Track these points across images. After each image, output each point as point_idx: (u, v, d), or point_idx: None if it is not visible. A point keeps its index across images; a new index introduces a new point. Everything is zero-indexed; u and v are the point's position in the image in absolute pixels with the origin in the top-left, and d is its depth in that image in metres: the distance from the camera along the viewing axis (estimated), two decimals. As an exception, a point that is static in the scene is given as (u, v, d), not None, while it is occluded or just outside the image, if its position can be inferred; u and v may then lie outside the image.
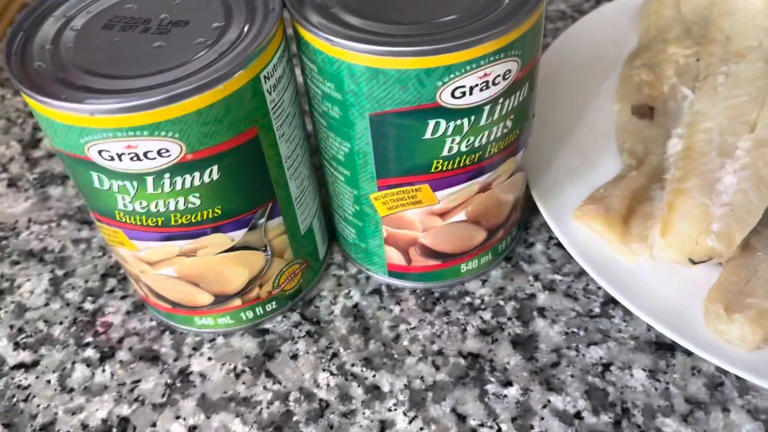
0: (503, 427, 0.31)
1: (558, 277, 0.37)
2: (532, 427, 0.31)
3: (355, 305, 0.37)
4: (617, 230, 0.35)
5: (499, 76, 0.28)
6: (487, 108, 0.28)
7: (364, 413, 0.32)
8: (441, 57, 0.26)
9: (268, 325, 0.36)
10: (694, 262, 0.33)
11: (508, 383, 0.33)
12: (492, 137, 0.30)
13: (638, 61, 0.44)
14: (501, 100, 0.29)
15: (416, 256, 0.35)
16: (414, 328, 0.36)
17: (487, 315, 0.36)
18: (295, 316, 0.37)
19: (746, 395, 0.31)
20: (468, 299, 0.37)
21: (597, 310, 0.35)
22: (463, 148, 0.30)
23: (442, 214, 0.33)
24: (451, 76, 0.26)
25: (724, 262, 0.33)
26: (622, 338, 0.34)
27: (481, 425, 0.32)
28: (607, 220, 0.35)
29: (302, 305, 0.37)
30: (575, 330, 0.35)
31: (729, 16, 0.42)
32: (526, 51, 0.28)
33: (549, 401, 0.32)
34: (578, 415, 0.32)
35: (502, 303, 0.36)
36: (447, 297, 0.37)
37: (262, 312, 0.36)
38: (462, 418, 0.32)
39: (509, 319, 0.36)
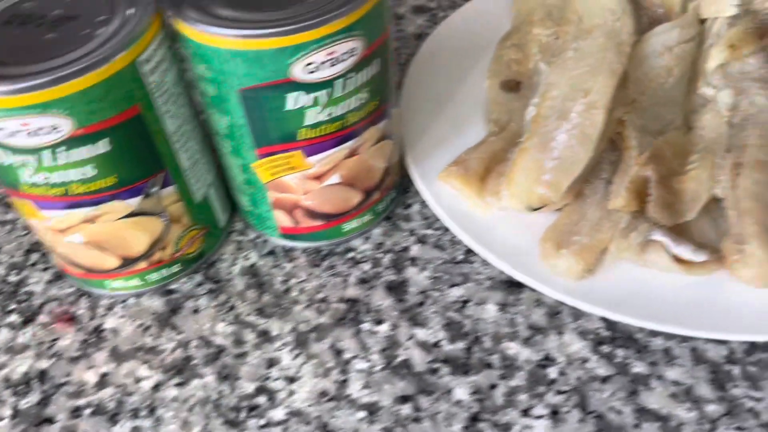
0: (373, 357, 0.37)
1: (429, 232, 0.42)
2: (397, 356, 0.36)
3: (252, 265, 0.42)
4: (474, 187, 0.40)
5: (345, 53, 0.32)
6: (339, 82, 0.33)
7: (254, 354, 0.37)
8: (289, 38, 0.31)
9: (174, 286, 0.41)
10: (533, 209, 0.38)
11: (380, 321, 0.38)
12: (350, 108, 0.35)
13: (508, 42, 0.50)
14: (351, 75, 0.34)
15: (302, 218, 0.40)
16: (303, 281, 0.40)
17: (366, 266, 0.41)
18: (199, 277, 0.41)
19: (579, 320, 0.37)
20: (351, 254, 0.42)
21: (461, 257, 0.41)
22: (325, 117, 0.35)
23: (318, 178, 0.38)
24: (300, 54, 0.31)
25: (562, 208, 0.39)
26: (480, 279, 0.39)
27: (355, 357, 0.37)
28: (465, 178, 0.40)
29: (206, 267, 0.42)
30: (440, 274, 0.40)
31: (581, 0, 0.48)
32: (369, 30, 0.33)
33: (414, 334, 0.37)
34: (437, 344, 0.37)
35: (380, 256, 0.41)
36: (334, 254, 0.42)
37: (167, 274, 0.40)
38: (338, 353, 0.37)
39: (386, 268, 0.41)
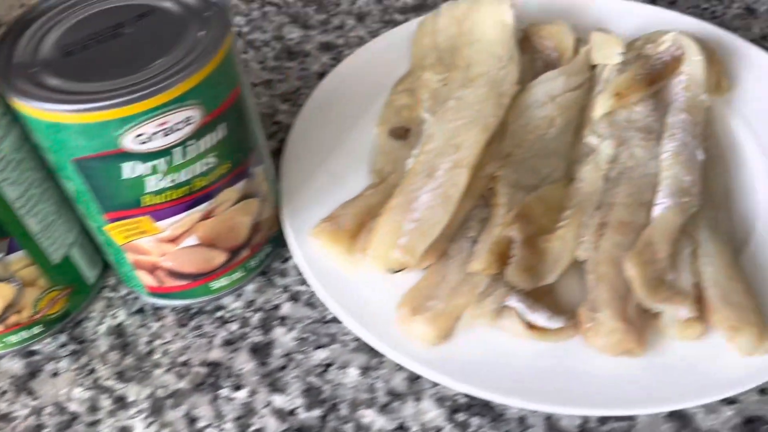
0: (227, 426, 0.36)
1: (303, 288, 0.41)
2: (251, 425, 0.36)
3: (119, 324, 0.41)
4: (343, 245, 0.39)
5: (179, 122, 0.32)
6: (178, 150, 0.33)
7: (107, 422, 0.36)
8: (114, 111, 0.30)
9: (37, 347, 0.40)
10: (393, 272, 0.37)
11: (239, 387, 0.37)
12: (196, 173, 0.34)
13: (401, 87, 0.49)
14: (191, 142, 0.33)
15: (164, 278, 0.39)
16: (167, 342, 0.40)
17: (234, 326, 0.40)
18: (63, 337, 0.40)
19: (437, 386, 0.36)
20: (221, 313, 0.41)
21: (330, 316, 0.40)
22: (168, 184, 0.34)
23: (173, 240, 0.37)
24: (127, 126, 0.30)
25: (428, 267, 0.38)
26: (345, 341, 0.39)
27: (208, 425, 0.36)
28: (335, 235, 0.39)
29: (72, 326, 0.41)
30: (308, 335, 0.39)
31: (471, 45, 0.47)
32: (207, 98, 0.32)
33: (271, 401, 0.37)
34: (293, 412, 0.36)
35: (249, 315, 0.40)
36: (203, 312, 0.41)
37: (27, 336, 0.39)
38: (193, 421, 0.36)
39: (253, 329, 0.40)
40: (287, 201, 0.43)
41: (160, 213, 0.35)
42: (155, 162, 0.32)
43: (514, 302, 0.35)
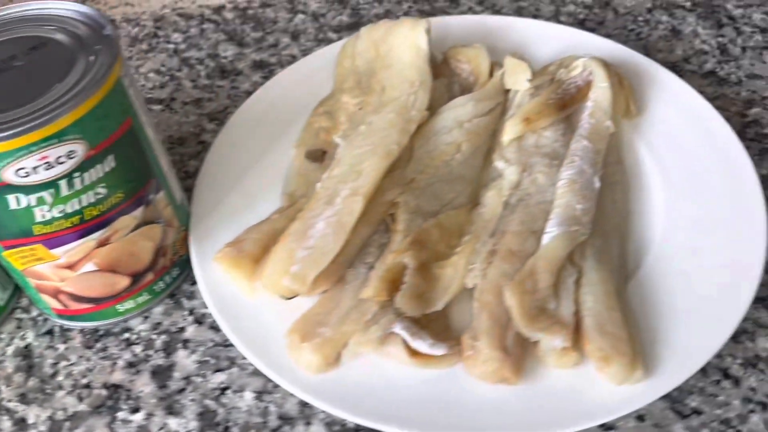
0: (120, 449, 0.37)
1: (208, 311, 0.42)
2: (143, 447, 0.37)
3: (27, 345, 0.41)
4: (245, 270, 0.40)
5: (61, 156, 0.32)
6: (63, 182, 0.33)
7: (5, 444, 0.37)
8: (-11, 147, 0.31)
9: (-55, 368, 0.41)
10: (287, 298, 0.38)
11: (137, 410, 0.38)
12: (86, 203, 0.35)
13: (321, 108, 0.50)
14: (78, 175, 0.34)
15: (68, 302, 0.40)
16: (72, 364, 0.40)
17: (138, 349, 0.41)
18: (-28, 358, 0.41)
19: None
20: (127, 335, 0.41)
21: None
22: (57, 214, 0.34)
23: (70, 267, 0.37)
24: (7, 161, 0.31)
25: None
26: (244, 365, 0.39)
27: (103, 449, 0.37)
28: (236, 261, 0.40)
29: (-19, 348, 0.42)
30: (208, 358, 0.40)
31: (386, 69, 0.48)
32: (90, 132, 0.33)
33: (166, 424, 0.37)
34: (186, 435, 0.37)
35: (154, 337, 0.41)
36: (110, 334, 0.42)
37: (-66, 357, 0.40)
38: (88, 444, 0.37)
39: (156, 351, 0.41)
40: (196, 224, 0.43)
41: (53, 241, 0.36)
42: (40, 194, 0.33)
43: (398, 329, 0.36)
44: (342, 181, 0.41)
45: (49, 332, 0.42)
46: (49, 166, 0.32)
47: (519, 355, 0.35)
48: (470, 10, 0.62)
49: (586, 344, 0.34)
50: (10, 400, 0.39)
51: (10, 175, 0.32)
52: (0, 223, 0.35)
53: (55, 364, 0.40)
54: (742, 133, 0.48)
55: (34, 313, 0.43)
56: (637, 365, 0.34)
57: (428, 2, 0.63)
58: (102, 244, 0.37)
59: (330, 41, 0.60)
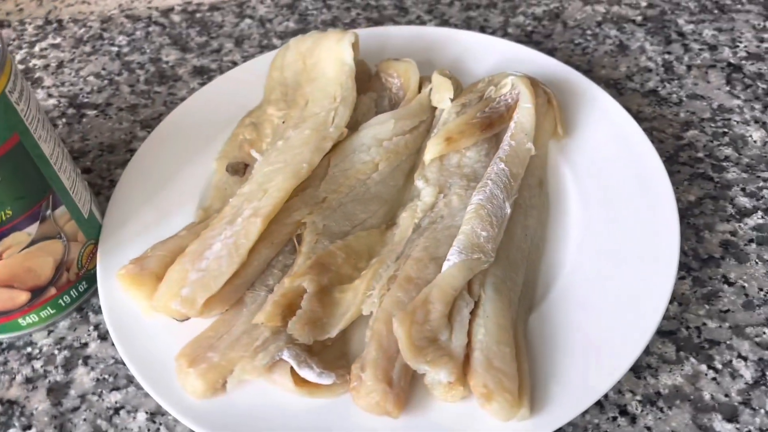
0: (6, 468, 0.36)
1: (114, 327, 0.42)
2: (29, 467, 0.36)
3: (-70, 356, 0.41)
4: (145, 289, 0.39)
5: (-64, 175, 0.32)
6: (-59, 200, 0.33)
7: None
8: None
9: None
10: (180, 320, 0.38)
11: (28, 427, 0.38)
12: (-31, 220, 0.34)
13: (248, 119, 0.49)
14: (-44, 192, 0.33)
15: (-33, 315, 0.39)
16: (-29, 377, 0.40)
17: (38, 364, 0.40)
18: None
19: (218, 434, 0.37)
20: (29, 349, 0.41)
21: (132, 357, 0.40)
22: (-61, 232, 0.34)
23: (-38, 282, 0.37)
24: None
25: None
26: (140, 384, 0.39)
27: (-11, 467, 0.36)
28: (137, 278, 0.39)
29: None
30: (107, 376, 0.39)
31: (311, 82, 0.47)
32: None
33: (55, 443, 0.37)
34: (73, 456, 0.36)
35: (56, 352, 0.41)
36: (13, 347, 0.41)
37: None
38: (-25, 461, 0.37)
39: (56, 367, 0.40)
40: (106, 238, 0.43)
41: (-61, 257, 0.35)
42: None
43: (286, 356, 0.35)
44: (248, 200, 0.40)
45: (-47, 343, 0.42)
46: (-77, 184, 0.32)
47: (404, 387, 0.34)
48: (418, 19, 0.61)
49: (470, 379, 0.33)
50: None
51: None
52: None
53: (-46, 377, 0.40)
54: (674, 156, 0.47)
55: (-59, 323, 0.43)
56: (522, 402, 0.33)
57: (377, 10, 0.62)
58: (-6, 260, 0.37)
59: (274, 48, 0.59)
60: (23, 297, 0.39)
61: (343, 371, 0.36)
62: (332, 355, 0.37)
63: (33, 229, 0.37)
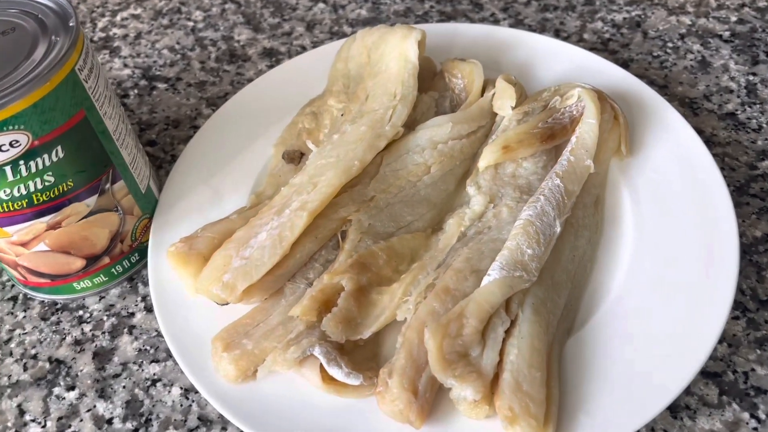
0: (49, 424, 0.38)
1: (160, 300, 0.43)
2: (69, 426, 0.38)
3: (-9, 308, 0.44)
4: (191, 268, 0.40)
5: (4, 144, 0.33)
6: (8, 168, 0.35)
7: (-49, 401, 0.40)
8: (-65, 130, 0.32)
9: None
10: (221, 304, 0.38)
11: (72, 387, 0.40)
12: (33, 189, 0.36)
13: (308, 108, 0.49)
14: (22, 162, 0.35)
15: (26, 274, 0.41)
16: (26, 333, 0.42)
17: (87, 328, 0.42)
18: (-59, 313, 0.44)
19: (245, 418, 0.38)
20: (81, 312, 0.43)
21: (174, 332, 0.42)
22: (4, 197, 0.36)
23: (23, 244, 0.39)
24: (-49, 144, 0.33)
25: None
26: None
27: (33, 420, 0.38)
28: (184, 257, 0.40)
29: (-49, 304, 0.44)
30: (148, 348, 0.41)
31: (374, 77, 0.47)
32: (35, 124, 0.34)
33: (95, 406, 0.39)
34: (110, 421, 0.38)
35: (105, 318, 0.43)
36: (66, 309, 0.43)
37: None
38: (22, 413, 0.39)
39: (103, 332, 0.42)
40: (160, 214, 0.44)
41: (3, 220, 0.37)
42: (-13, 177, 0.35)
43: (317, 352, 0.35)
44: (297, 192, 0.41)
45: (14, 298, 0.44)
46: (-7, 152, 0.34)
47: (429, 399, 0.34)
48: (492, 17, 0.60)
49: (497, 400, 0.33)
50: (-36, 360, 0.41)
51: (-44, 158, 0.33)
52: (-45, 198, 0.36)
53: (12, 330, 0.43)
54: (745, 187, 0.45)
55: (4, 277, 0.45)
56: (547, 430, 0.32)
57: (450, 3, 0.61)
58: (53, 227, 0.38)
59: (344, 35, 0.59)
60: (78, 263, 0.41)
61: (371, 373, 0.36)
62: (363, 355, 0.37)
63: (92, 201, 0.39)
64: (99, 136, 0.38)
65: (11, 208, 0.37)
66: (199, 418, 0.38)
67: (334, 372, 0.35)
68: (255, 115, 0.50)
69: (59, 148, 0.36)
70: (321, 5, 0.62)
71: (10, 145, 0.34)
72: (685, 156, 0.44)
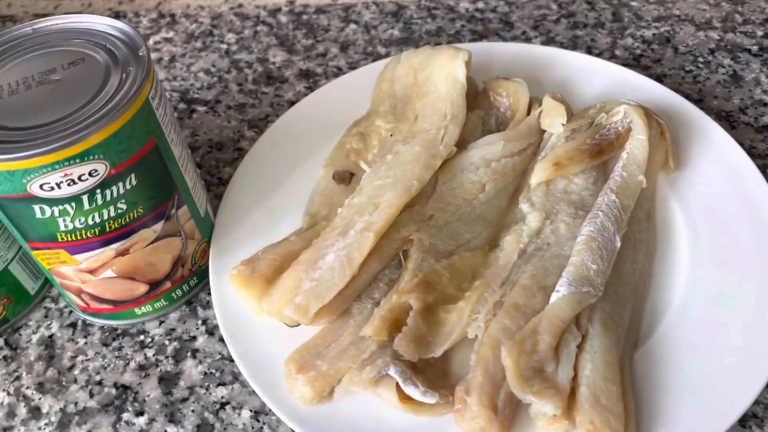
0: (120, 450, 0.38)
1: (221, 323, 0.43)
2: (141, 452, 0.38)
3: (51, 336, 0.44)
4: (255, 290, 0.41)
5: (83, 174, 0.34)
6: (85, 197, 0.35)
7: (20, 430, 0.40)
8: (18, 163, 0.32)
9: (-24, 348, 0.44)
10: (291, 326, 0.39)
11: (141, 413, 0.40)
12: (106, 217, 0.36)
13: (355, 129, 0.50)
14: (99, 191, 0.35)
15: (89, 301, 0.42)
16: (89, 359, 0.42)
17: (150, 352, 0.42)
18: (0, 342, 0.44)
19: (319, 439, 0.38)
20: (142, 337, 0.43)
21: (238, 355, 0.42)
22: (78, 225, 0.36)
23: (91, 272, 0.39)
24: (32, 176, 0.33)
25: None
26: (245, 382, 0.41)
27: (104, 447, 0.39)
28: (248, 280, 0.41)
29: (10, 332, 0.44)
30: (214, 371, 0.41)
31: (422, 97, 0.48)
32: (112, 153, 0.34)
33: (166, 431, 0.39)
34: (182, 445, 0.38)
35: (167, 343, 0.43)
36: (127, 334, 0.44)
37: (-34, 337, 0.43)
38: (92, 440, 0.39)
39: (166, 357, 0.42)
40: (218, 237, 0.45)
41: (75, 248, 0.37)
42: (63, 206, 0.35)
43: (393, 372, 0.36)
44: (359, 213, 0.41)
45: (73, 325, 0.44)
46: (72, 182, 0.34)
47: (508, 415, 0.35)
48: (523, 35, 0.61)
49: (577, 414, 0.34)
50: (28, 387, 0.41)
51: (35, 188, 0.34)
52: (29, 228, 0.36)
53: (74, 357, 0.43)
54: (789, 197, 0.46)
55: (62, 304, 0.45)
56: (626, 443, 0.33)
57: (482, 23, 0.62)
58: (121, 254, 0.39)
59: (378, 55, 0.60)
60: (142, 289, 0.41)
61: (445, 391, 0.36)
62: (434, 374, 0.38)
63: (158, 227, 0.39)
64: (167, 163, 0.38)
65: (84, 236, 0.37)
66: (271, 440, 0.38)
67: (411, 391, 0.36)
68: (300, 137, 0.51)
69: (132, 176, 0.36)
70: (353, 26, 0.63)
71: (89, 174, 0.34)
72: (731, 169, 0.45)
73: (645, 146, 0.44)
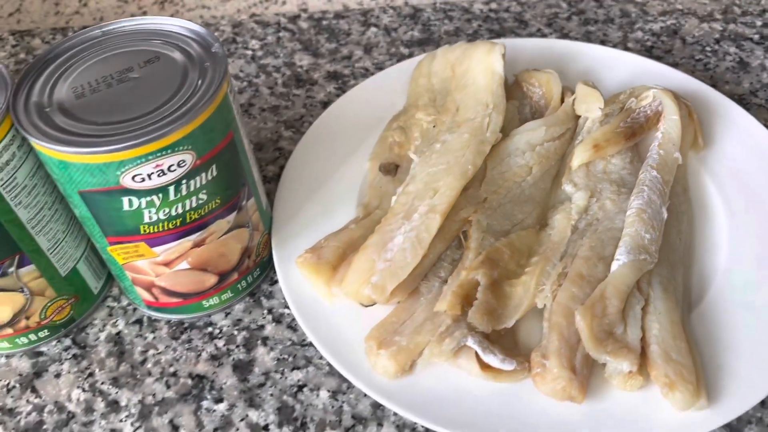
0: (205, 436, 0.39)
1: (286, 311, 0.45)
2: (227, 436, 0.39)
3: (119, 333, 0.45)
4: (323, 276, 0.42)
5: (173, 165, 0.35)
6: (171, 188, 0.36)
7: (100, 423, 0.40)
8: (113, 155, 0.34)
9: (43, 348, 0.44)
10: (365, 306, 0.41)
11: (220, 400, 0.41)
12: (188, 207, 0.38)
13: (395, 123, 0.52)
14: (185, 181, 0.36)
15: (160, 295, 0.43)
16: (160, 353, 0.43)
17: (220, 343, 0.44)
18: (68, 341, 0.44)
19: (398, 414, 0.39)
20: (210, 329, 0.44)
21: (308, 340, 0.43)
22: (162, 216, 0.37)
23: (167, 264, 0.40)
24: (126, 167, 0.34)
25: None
26: (320, 364, 0.42)
27: (189, 434, 0.40)
28: (316, 267, 0.42)
29: (76, 331, 0.45)
30: (286, 356, 0.43)
31: (462, 90, 0.50)
32: (199, 144, 0.36)
33: (247, 415, 0.40)
34: (266, 427, 0.39)
35: (235, 333, 0.44)
36: (194, 327, 0.45)
37: (35, 338, 0.43)
38: (175, 428, 0.40)
39: (237, 346, 0.43)
40: (278, 229, 0.46)
41: (155, 240, 0.39)
42: (151, 197, 0.36)
43: (471, 343, 0.38)
44: (418, 198, 0.43)
45: (138, 321, 0.45)
46: (162, 173, 0.35)
47: (586, 375, 0.37)
48: (539, 32, 0.64)
49: (651, 370, 0.36)
50: (103, 383, 0.42)
51: (128, 180, 0.35)
52: (112, 222, 0.38)
53: (145, 351, 0.43)
54: (807, 169, 0.50)
55: (125, 302, 0.46)
56: (701, 393, 0.35)
57: (497, 22, 0.65)
58: (197, 245, 0.40)
59: (401, 55, 0.62)
60: (212, 280, 0.43)
61: (521, 358, 0.38)
62: (505, 344, 0.40)
63: (232, 217, 0.41)
64: (240, 155, 0.40)
65: (166, 228, 0.38)
66: (353, 417, 0.40)
67: (490, 359, 0.38)
68: (341, 134, 0.53)
69: (213, 167, 0.37)
70: (373, 29, 0.66)
71: (178, 165, 0.35)
72: (756, 144, 0.48)
73: (678, 125, 0.47)
